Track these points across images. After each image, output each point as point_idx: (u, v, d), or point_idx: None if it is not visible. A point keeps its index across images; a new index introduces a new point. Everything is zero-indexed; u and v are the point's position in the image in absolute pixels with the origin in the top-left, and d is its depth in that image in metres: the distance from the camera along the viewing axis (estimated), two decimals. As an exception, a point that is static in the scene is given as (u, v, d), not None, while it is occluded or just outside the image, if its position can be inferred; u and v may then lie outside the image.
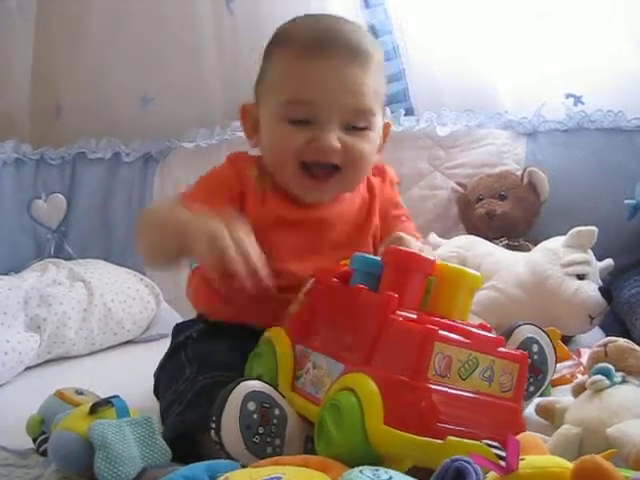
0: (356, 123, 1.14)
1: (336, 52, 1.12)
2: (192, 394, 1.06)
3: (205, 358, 1.13)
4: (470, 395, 0.87)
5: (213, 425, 0.88)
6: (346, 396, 0.85)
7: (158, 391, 1.20)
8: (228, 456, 0.87)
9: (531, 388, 1.05)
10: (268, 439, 0.89)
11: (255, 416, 0.88)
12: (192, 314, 1.32)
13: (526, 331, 1.06)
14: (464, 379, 0.87)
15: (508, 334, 1.05)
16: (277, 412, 0.90)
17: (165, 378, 1.19)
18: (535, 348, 1.05)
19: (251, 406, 0.88)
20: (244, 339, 1.13)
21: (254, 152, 1.26)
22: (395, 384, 0.83)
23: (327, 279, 1.03)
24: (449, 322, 0.90)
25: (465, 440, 0.84)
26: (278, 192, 1.20)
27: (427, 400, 0.83)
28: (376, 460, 0.82)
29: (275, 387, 0.95)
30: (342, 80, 1.12)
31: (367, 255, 1.03)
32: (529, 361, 1.02)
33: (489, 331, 0.94)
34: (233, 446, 0.87)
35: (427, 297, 0.96)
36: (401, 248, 1.00)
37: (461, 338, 0.88)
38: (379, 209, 1.27)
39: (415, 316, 0.90)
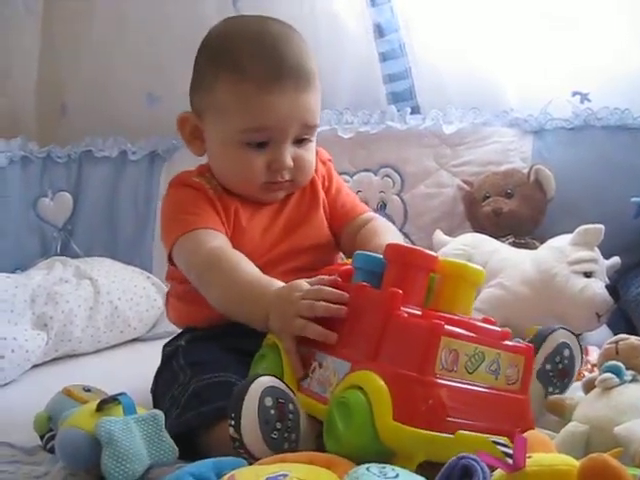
0: (303, 136, 1.25)
1: (289, 83, 1.20)
2: (186, 397, 1.07)
3: (197, 362, 1.14)
4: (477, 389, 0.88)
5: (232, 422, 0.87)
6: (354, 394, 0.85)
7: (157, 405, 1.19)
8: (240, 454, 0.87)
9: (556, 391, 1.05)
10: (285, 434, 0.89)
11: (272, 412, 0.88)
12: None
13: (560, 336, 1.06)
14: (471, 373, 0.87)
15: (542, 339, 1.05)
16: (292, 407, 0.90)
17: (161, 388, 1.19)
18: (567, 353, 1.06)
19: (268, 402, 0.88)
20: (236, 338, 1.13)
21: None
22: (402, 380, 0.83)
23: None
24: (454, 317, 0.90)
25: (475, 434, 0.84)
26: (228, 193, 1.27)
27: (435, 395, 0.83)
28: (386, 457, 0.82)
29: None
30: (296, 107, 1.21)
31: (369, 253, 1.03)
32: (560, 366, 1.05)
33: (493, 325, 0.95)
34: (253, 442, 0.86)
35: (430, 295, 0.95)
36: (403, 244, 1.01)
37: (467, 332, 0.88)
38: (327, 193, 1.36)
39: (420, 312, 0.90)
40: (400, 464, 0.81)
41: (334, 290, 0.99)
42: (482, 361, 0.88)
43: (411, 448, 0.82)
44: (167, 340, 1.31)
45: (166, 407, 1.09)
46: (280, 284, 1.07)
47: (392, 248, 0.98)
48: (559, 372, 1.05)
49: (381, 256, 0.98)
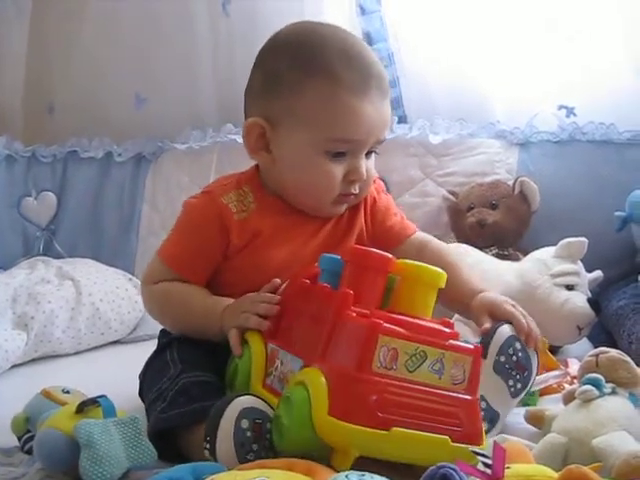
0: (375, 149, 1.23)
1: (375, 91, 1.17)
2: (174, 392, 1.06)
3: (189, 359, 1.14)
4: (417, 387, 0.88)
5: (207, 445, 0.89)
6: (298, 390, 0.87)
7: (143, 392, 1.21)
8: None
9: (518, 385, 1.07)
10: (262, 454, 0.89)
11: (248, 434, 0.89)
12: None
13: (508, 330, 1.09)
14: (411, 371, 0.88)
15: (492, 333, 1.07)
16: (269, 426, 0.91)
17: (150, 377, 1.19)
18: (518, 345, 1.08)
19: (244, 424, 0.89)
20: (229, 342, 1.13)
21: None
22: (340, 376, 0.86)
23: (299, 279, 1.05)
24: (399, 316, 0.90)
25: (412, 431, 0.85)
26: (267, 207, 1.24)
27: (369, 391, 0.84)
28: (327, 452, 0.85)
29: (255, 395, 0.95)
30: (380, 119, 1.19)
31: (333, 255, 1.04)
32: (514, 358, 1.07)
33: (450, 327, 0.94)
34: (227, 465, 0.87)
35: (389, 295, 0.96)
36: (360, 247, 1.03)
37: (407, 332, 0.88)
38: (372, 215, 1.31)
39: (368, 312, 0.91)
40: (338, 459, 0.84)
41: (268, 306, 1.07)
42: (424, 360, 0.89)
43: (345, 443, 0.84)
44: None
45: (151, 398, 1.10)
46: (230, 301, 1.16)
47: (350, 250, 1.00)
48: (515, 365, 1.07)
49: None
